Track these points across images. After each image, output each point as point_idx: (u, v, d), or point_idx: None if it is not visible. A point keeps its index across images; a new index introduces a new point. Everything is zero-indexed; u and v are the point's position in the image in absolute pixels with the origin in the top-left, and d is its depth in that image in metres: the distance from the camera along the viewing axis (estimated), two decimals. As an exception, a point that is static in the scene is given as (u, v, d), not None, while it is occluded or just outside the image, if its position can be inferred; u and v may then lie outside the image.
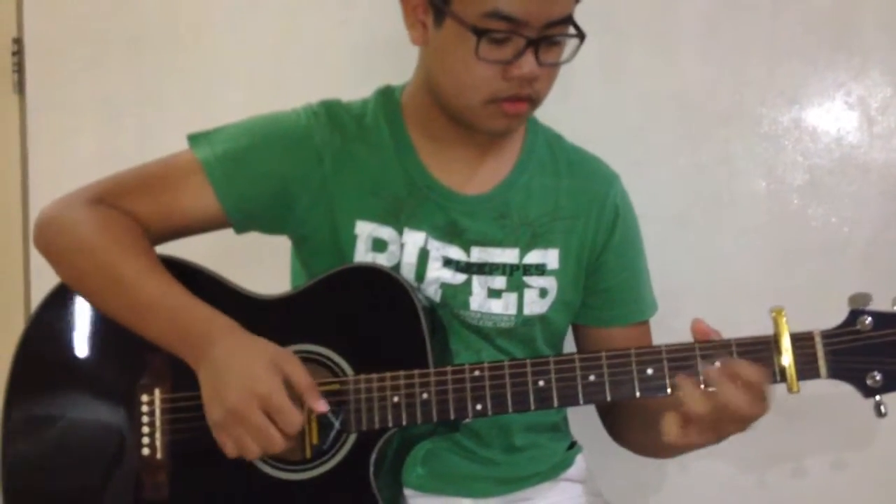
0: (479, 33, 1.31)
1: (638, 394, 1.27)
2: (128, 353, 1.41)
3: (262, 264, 1.70)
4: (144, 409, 1.41)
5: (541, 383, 1.30)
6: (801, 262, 1.90)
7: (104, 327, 1.42)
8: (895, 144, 1.86)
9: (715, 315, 1.85)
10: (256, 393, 1.25)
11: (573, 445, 1.63)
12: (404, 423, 1.32)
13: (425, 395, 1.32)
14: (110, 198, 1.44)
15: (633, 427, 1.52)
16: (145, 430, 1.40)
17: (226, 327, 1.32)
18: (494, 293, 1.48)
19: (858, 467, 1.89)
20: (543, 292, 1.50)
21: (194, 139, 1.48)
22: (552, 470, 1.58)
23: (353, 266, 1.43)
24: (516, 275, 1.48)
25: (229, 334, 1.31)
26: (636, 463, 1.59)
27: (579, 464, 1.62)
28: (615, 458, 1.61)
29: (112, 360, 1.45)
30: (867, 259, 1.88)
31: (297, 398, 1.27)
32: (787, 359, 1.24)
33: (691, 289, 1.91)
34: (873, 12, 1.86)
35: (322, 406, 1.28)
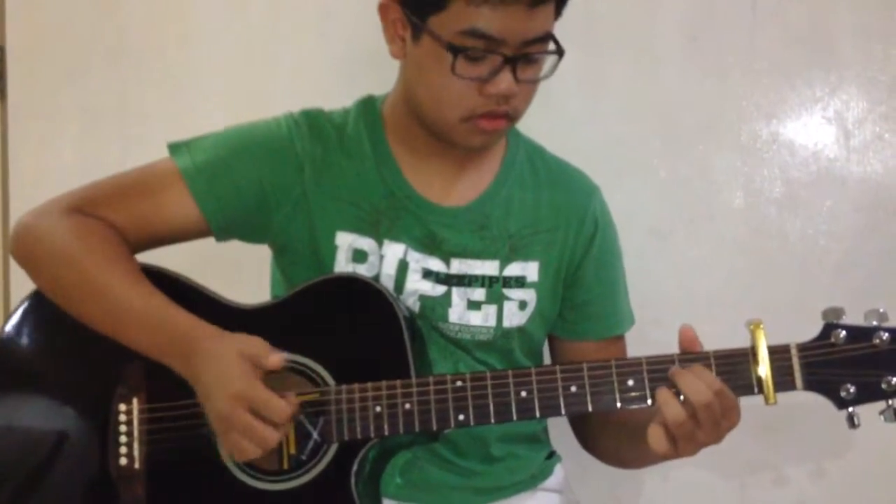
0: (456, 51, 1.30)
1: (619, 405, 1.28)
2: (105, 362, 1.40)
3: (242, 273, 1.70)
4: (122, 418, 1.39)
5: (523, 394, 1.30)
6: (779, 274, 1.91)
7: (79, 336, 1.40)
8: (871, 158, 1.87)
9: (693, 327, 1.86)
10: (234, 393, 1.26)
11: (552, 455, 1.63)
12: (386, 433, 1.31)
13: (407, 406, 1.31)
14: (89, 206, 1.43)
15: (606, 437, 1.53)
16: (123, 439, 1.39)
17: (209, 333, 1.32)
18: (474, 305, 1.47)
19: (838, 475, 1.90)
20: (523, 304, 1.50)
21: (174, 148, 1.47)
22: (530, 480, 1.57)
23: (334, 276, 1.43)
24: (496, 287, 1.48)
25: (212, 340, 1.31)
26: (615, 472, 1.59)
27: (558, 473, 1.62)
28: (594, 467, 1.60)
29: (88, 370, 1.43)
30: (843, 271, 1.88)
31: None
32: (763, 370, 1.26)
33: (669, 301, 1.91)
34: (849, 28, 1.87)
35: (276, 360, 1.27)
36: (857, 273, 1.88)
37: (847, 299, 1.82)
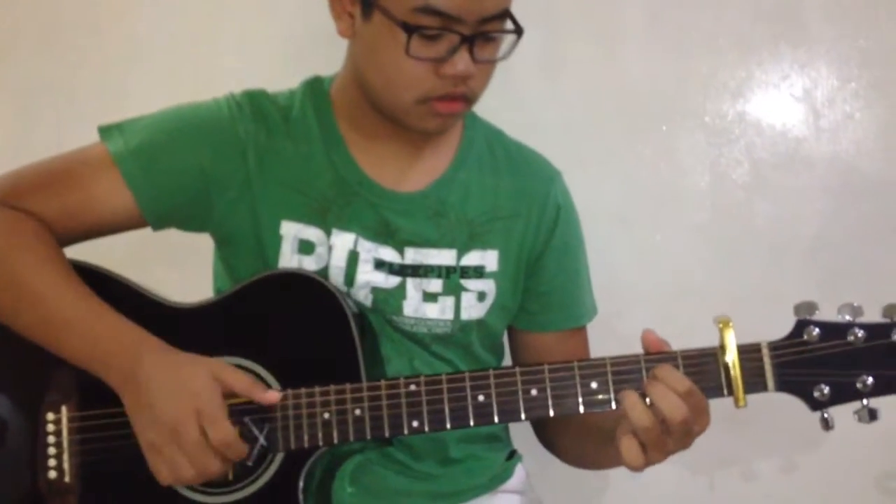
0: (410, 30, 1.26)
1: (582, 409, 1.25)
2: (30, 366, 1.35)
3: (182, 264, 1.66)
4: (50, 427, 1.34)
5: (480, 398, 1.26)
6: (746, 259, 1.89)
7: (4, 337, 1.33)
8: (841, 138, 1.85)
9: (658, 315, 1.85)
10: (195, 407, 1.21)
11: (513, 455, 1.60)
12: (335, 441, 1.27)
13: (358, 412, 1.27)
14: (12, 197, 1.36)
15: (567, 437, 1.50)
16: (51, 451, 1.34)
17: (152, 344, 1.27)
18: (430, 297, 1.43)
19: (808, 470, 1.89)
20: (482, 296, 1.46)
21: (105, 131, 1.42)
22: (490, 482, 1.54)
23: (276, 272, 1.38)
24: (453, 277, 1.44)
25: (157, 351, 1.26)
26: (581, 472, 1.56)
27: (519, 473, 1.58)
28: (557, 465, 1.57)
29: (14, 374, 1.38)
30: (813, 256, 1.87)
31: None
32: (733, 371, 1.22)
33: (634, 288, 1.90)
34: (817, 3, 1.85)
35: (273, 396, 1.26)
36: (826, 257, 1.86)
37: (816, 284, 1.84)
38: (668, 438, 1.20)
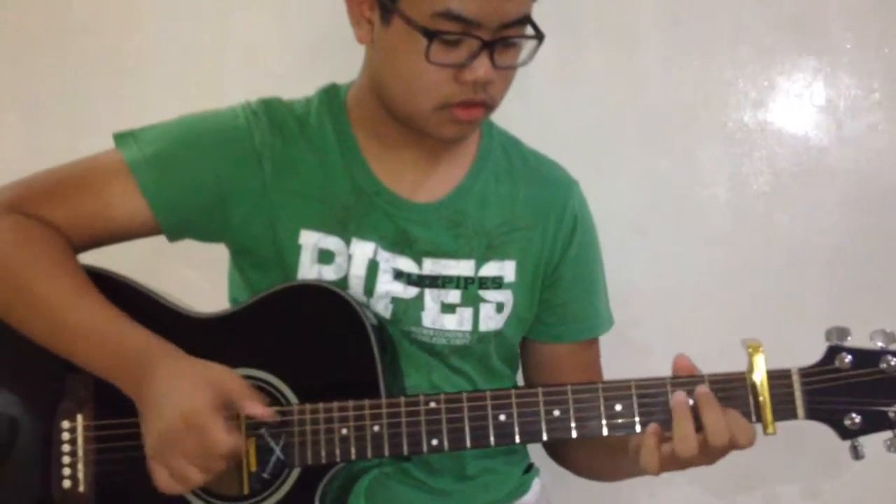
0: (430, 35, 1.24)
1: (605, 431, 1.23)
2: (45, 374, 1.33)
3: (196, 272, 1.67)
4: (65, 436, 1.33)
5: (502, 417, 1.25)
6: (766, 270, 1.88)
7: (20, 345, 1.31)
8: (864, 148, 1.84)
9: (675, 326, 1.82)
10: (192, 408, 1.20)
11: (530, 468, 1.58)
12: (353, 457, 1.26)
13: (376, 428, 1.26)
14: (26, 204, 1.35)
15: (578, 447, 1.48)
16: (66, 460, 1.32)
17: (166, 352, 1.26)
18: (448, 308, 1.41)
19: (830, 496, 1.87)
20: (500, 307, 1.44)
21: (121, 138, 1.40)
22: (507, 497, 1.52)
23: (297, 284, 1.37)
24: (471, 288, 1.42)
25: (170, 359, 1.25)
26: (597, 485, 1.54)
27: (535, 488, 1.57)
28: (575, 480, 1.55)
29: (30, 382, 1.36)
30: (833, 267, 1.86)
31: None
32: (762, 397, 1.21)
33: (651, 299, 1.88)
34: (842, 10, 1.84)
35: (260, 411, 1.23)
36: (846, 269, 1.85)
37: (836, 296, 1.82)
38: (699, 459, 1.19)
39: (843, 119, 1.84)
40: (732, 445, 1.19)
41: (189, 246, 1.47)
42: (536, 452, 1.59)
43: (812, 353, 1.21)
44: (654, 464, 1.20)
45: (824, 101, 1.85)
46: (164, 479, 1.22)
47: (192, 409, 1.20)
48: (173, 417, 1.20)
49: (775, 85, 1.86)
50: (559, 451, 1.54)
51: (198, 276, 1.71)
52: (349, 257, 1.39)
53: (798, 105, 1.85)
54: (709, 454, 1.19)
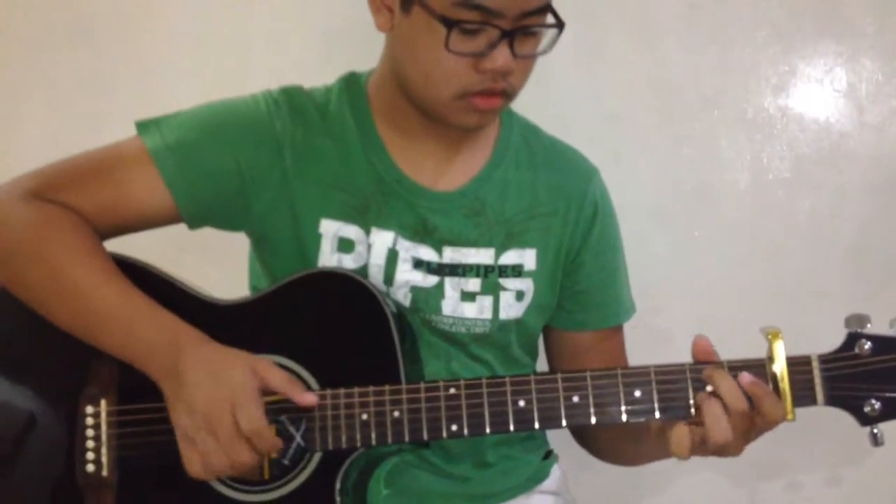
0: (450, 24, 1.24)
1: (625, 417, 1.23)
2: (69, 359, 1.33)
3: (217, 260, 1.66)
4: (89, 421, 1.32)
5: (521, 403, 1.25)
6: (786, 256, 1.88)
7: (45, 330, 1.31)
8: (886, 134, 1.83)
9: (695, 312, 1.81)
10: (230, 397, 1.21)
11: (549, 454, 1.58)
12: (373, 442, 1.26)
13: (396, 414, 1.26)
14: (49, 191, 1.35)
15: (603, 431, 1.48)
16: (90, 444, 1.32)
17: (193, 336, 1.27)
18: (468, 296, 1.42)
19: (853, 483, 1.87)
20: (520, 295, 1.44)
21: (143, 126, 1.40)
22: (526, 483, 1.52)
23: (317, 271, 1.37)
24: (491, 276, 1.42)
25: (198, 343, 1.26)
26: (617, 473, 1.56)
27: (555, 474, 1.57)
28: (594, 466, 1.56)
29: (54, 367, 1.36)
30: (856, 254, 1.85)
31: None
32: (781, 384, 1.21)
33: (672, 286, 1.88)
34: None
35: (310, 398, 1.24)
36: (868, 255, 1.84)
37: (858, 283, 1.81)
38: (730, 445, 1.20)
39: (865, 104, 1.83)
40: (757, 411, 1.19)
41: (207, 238, 1.48)
42: (556, 438, 1.59)
43: (832, 340, 1.21)
44: (685, 449, 1.20)
45: (846, 86, 1.84)
46: (195, 465, 1.22)
47: (238, 387, 1.21)
48: (210, 401, 1.20)
49: (796, 70, 1.85)
50: (583, 434, 1.54)
51: (215, 270, 1.72)
52: (369, 246, 1.39)
53: (819, 90, 1.85)
54: (737, 433, 1.18)
